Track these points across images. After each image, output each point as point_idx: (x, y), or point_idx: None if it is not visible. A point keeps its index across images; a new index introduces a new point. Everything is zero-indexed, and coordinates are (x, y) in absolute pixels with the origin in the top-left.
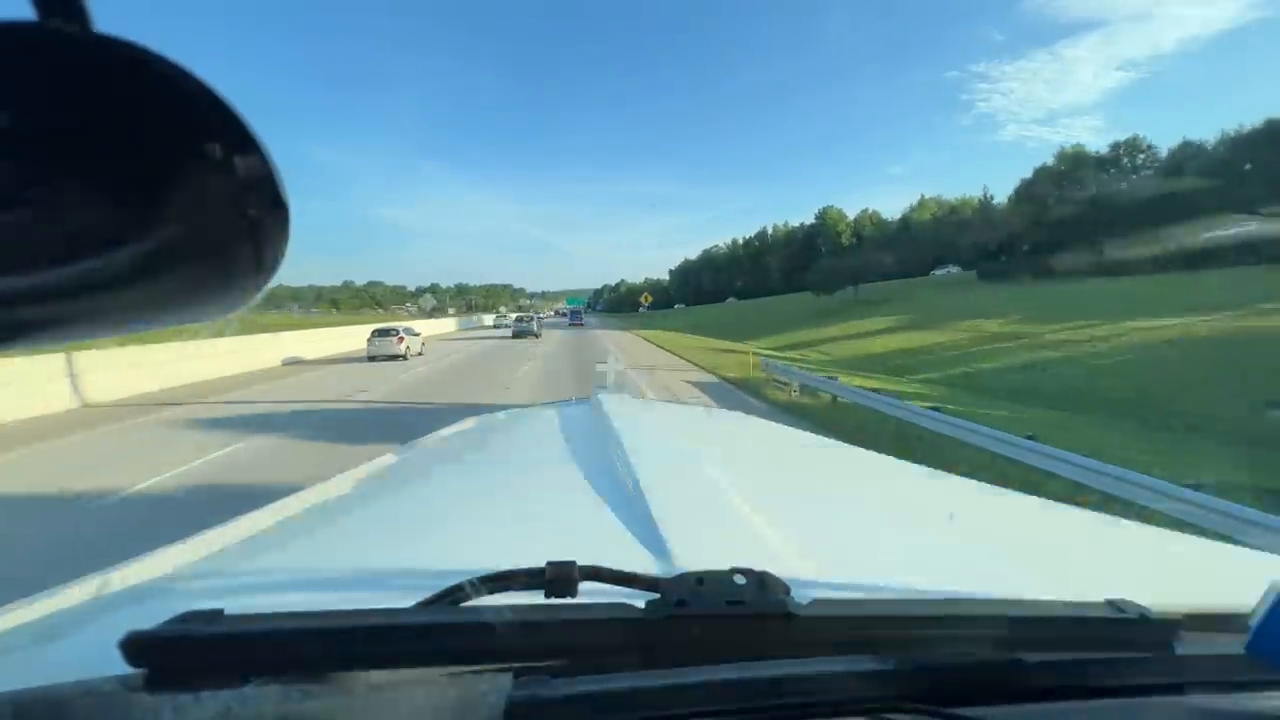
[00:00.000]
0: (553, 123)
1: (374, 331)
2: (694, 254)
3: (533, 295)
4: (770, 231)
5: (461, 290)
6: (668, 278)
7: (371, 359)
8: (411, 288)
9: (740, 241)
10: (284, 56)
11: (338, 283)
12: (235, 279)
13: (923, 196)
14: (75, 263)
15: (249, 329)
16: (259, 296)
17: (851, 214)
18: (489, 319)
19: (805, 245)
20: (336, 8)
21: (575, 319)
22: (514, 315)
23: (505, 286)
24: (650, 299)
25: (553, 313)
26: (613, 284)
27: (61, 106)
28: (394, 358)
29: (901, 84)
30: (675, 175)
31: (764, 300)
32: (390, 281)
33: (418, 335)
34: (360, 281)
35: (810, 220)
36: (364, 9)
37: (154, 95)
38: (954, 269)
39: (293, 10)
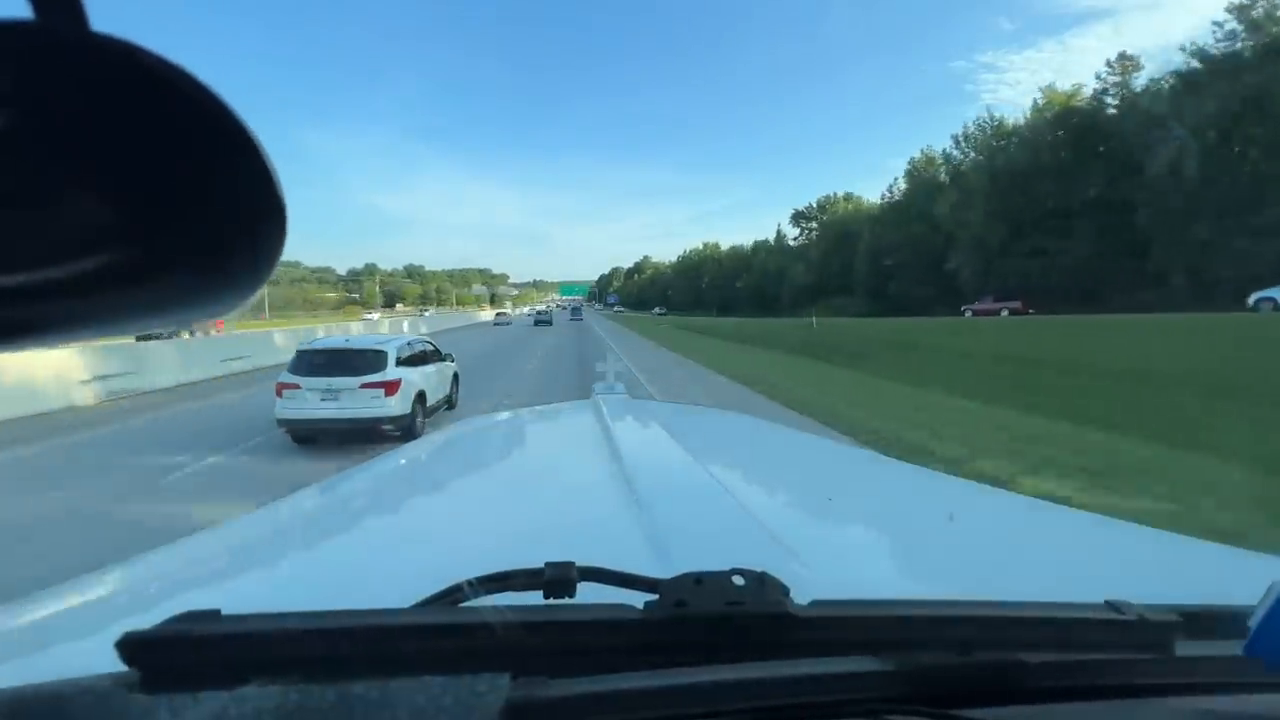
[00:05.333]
0: (548, 108)
1: (496, 313)
2: (690, 246)
3: (521, 284)
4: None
5: (413, 275)
6: (782, 232)
7: (495, 325)
8: (343, 270)
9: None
10: (272, 33)
11: None
12: (233, 280)
13: None
14: (72, 264)
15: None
16: (255, 297)
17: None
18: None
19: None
20: None
21: (576, 315)
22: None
23: (482, 271)
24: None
25: (556, 305)
26: (628, 266)
27: (59, 107)
28: (506, 324)
29: (906, 74)
30: (674, 164)
31: None
32: (311, 262)
33: (515, 312)
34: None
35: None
36: None
37: (152, 96)
38: None
39: None
